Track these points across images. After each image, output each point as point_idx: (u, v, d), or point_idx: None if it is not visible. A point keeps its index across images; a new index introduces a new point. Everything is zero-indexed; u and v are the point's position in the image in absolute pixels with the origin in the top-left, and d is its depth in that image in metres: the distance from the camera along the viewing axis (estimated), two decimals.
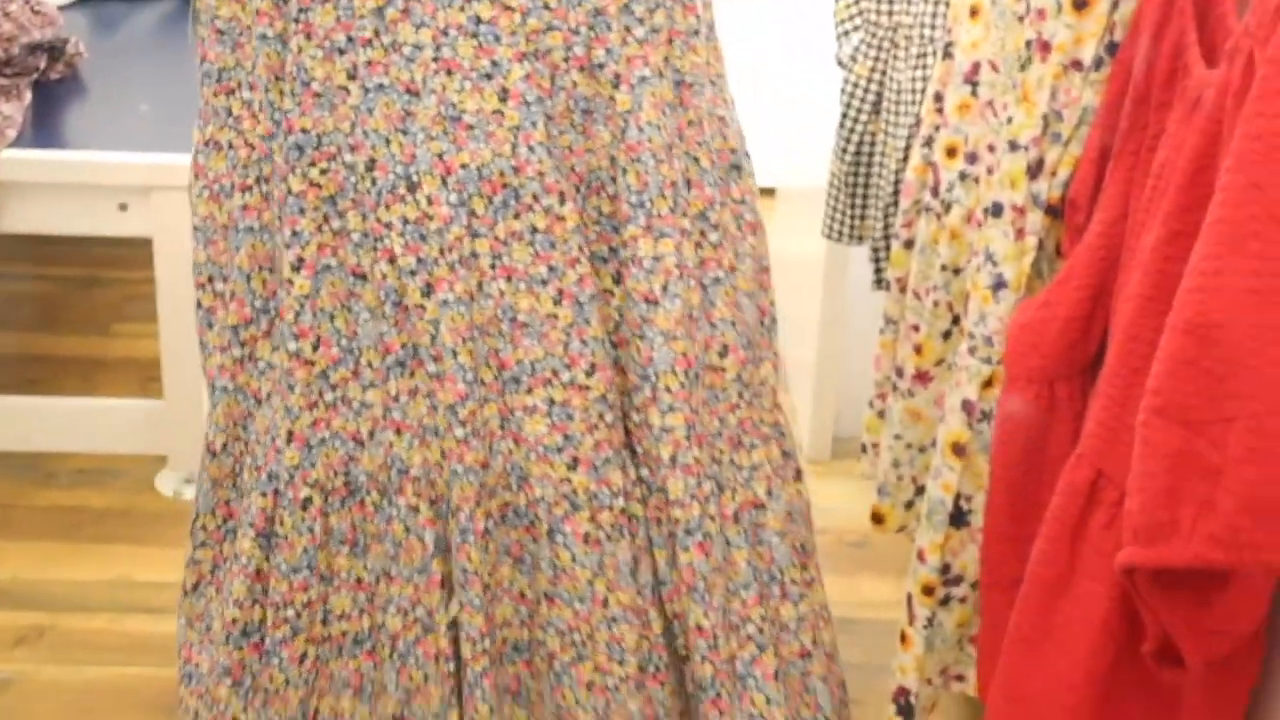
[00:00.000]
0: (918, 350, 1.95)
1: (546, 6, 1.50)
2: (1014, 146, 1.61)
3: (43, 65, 2.52)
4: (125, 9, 2.99)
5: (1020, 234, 1.63)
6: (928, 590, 1.75)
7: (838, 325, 2.81)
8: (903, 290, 2.04)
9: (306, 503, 1.65)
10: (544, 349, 1.58)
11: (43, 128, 2.47)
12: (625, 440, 1.62)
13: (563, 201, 1.54)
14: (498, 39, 1.50)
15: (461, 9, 1.50)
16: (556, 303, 1.57)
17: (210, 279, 1.68)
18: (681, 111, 1.60)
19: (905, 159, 2.15)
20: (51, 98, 2.55)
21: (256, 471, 1.66)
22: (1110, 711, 1.33)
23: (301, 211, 1.58)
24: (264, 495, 1.65)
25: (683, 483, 1.59)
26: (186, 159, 2.29)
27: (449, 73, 1.52)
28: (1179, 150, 1.25)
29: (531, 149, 1.52)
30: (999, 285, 1.65)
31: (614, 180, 1.57)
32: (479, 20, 1.50)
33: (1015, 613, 1.42)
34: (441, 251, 1.55)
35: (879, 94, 2.28)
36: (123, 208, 2.42)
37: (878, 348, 2.14)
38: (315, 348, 1.63)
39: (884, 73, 2.26)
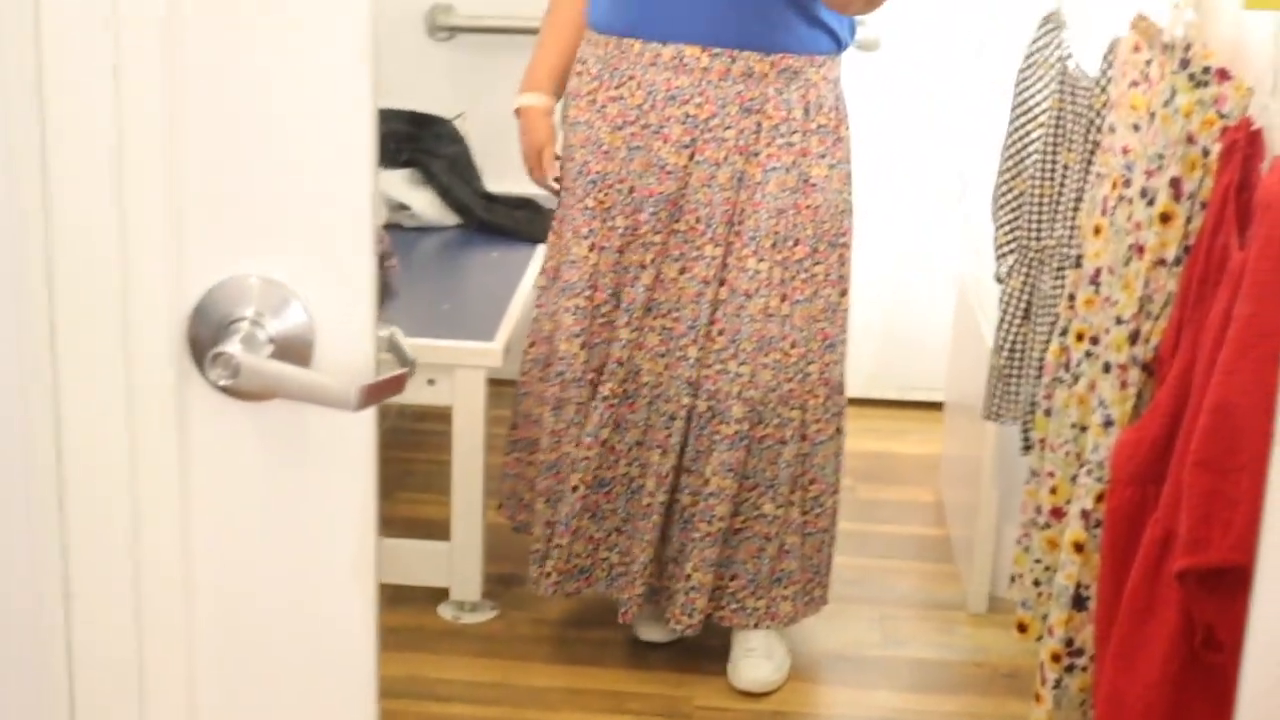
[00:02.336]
0: (1053, 491, 2.55)
1: (727, 115, 2.80)
2: (1119, 321, 2.23)
3: None
4: (417, 236, 3.75)
5: (1124, 385, 2.24)
6: (1055, 658, 2.32)
7: (994, 508, 3.40)
8: (1043, 448, 2.64)
9: (590, 383, 2.95)
10: (677, 297, 2.87)
11: (394, 326, 3.18)
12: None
13: (698, 220, 2.84)
14: (695, 126, 2.81)
15: (680, 106, 2.81)
16: (682, 272, 2.86)
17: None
18: (801, 196, 2.83)
19: (1046, 348, 2.77)
20: None
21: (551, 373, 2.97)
22: (1181, 697, 1.89)
23: (594, 217, 2.89)
24: (554, 385, 2.95)
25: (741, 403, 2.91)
26: (482, 345, 3.03)
27: (664, 141, 2.83)
28: (1220, 307, 1.87)
29: (694, 189, 2.83)
30: (1108, 423, 2.25)
31: (738, 219, 2.84)
32: (687, 115, 2.81)
33: (1114, 638, 2.00)
34: (641, 237, 2.88)
35: (1029, 302, 2.91)
36: (430, 382, 3.11)
37: (1024, 495, 2.73)
38: (594, 292, 2.91)
39: (1033, 286, 2.89)
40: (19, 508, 1.27)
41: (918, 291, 4.34)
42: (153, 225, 1.19)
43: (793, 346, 2.88)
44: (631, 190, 2.86)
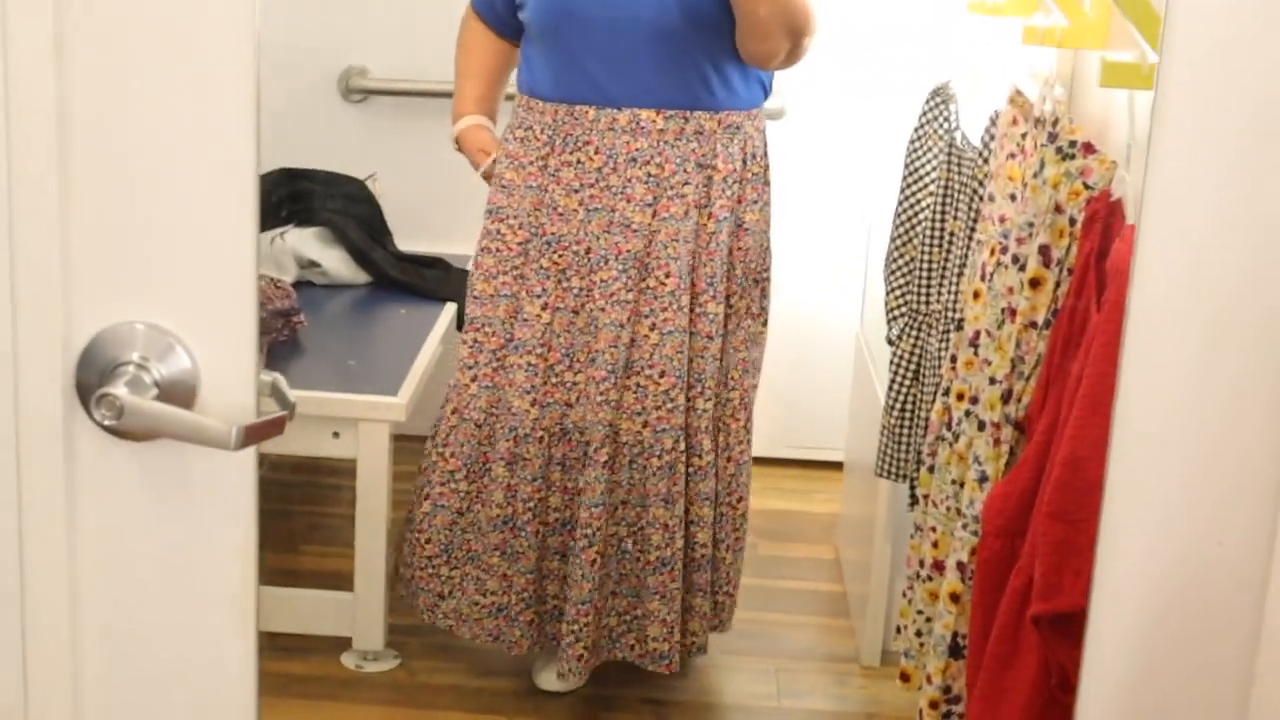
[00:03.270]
0: (934, 545, 2.63)
1: (685, 172, 2.93)
2: (993, 381, 2.33)
3: (278, 327, 3.31)
4: (328, 293, 3.81)
5: (997, 443, 2.33)
6: (933, 704, 2.40)
7: (886, 563, 3.49)
8: (927, 503, 2.73)
9: (539, 440, 3.00)
10: (651, 354, 2.95)
11: (276, 373, 3.24)
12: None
13: (668, 275, 2.94)
14: (657, 184, 2.93)
15: (642, 167, 2.92)
16: (653, 329, 2.96)
17: (479, 326, 3.01)
18: (734, 239, 3.00)
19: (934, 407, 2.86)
20: (281, 352, 3.33)
21: (503, 429, 3.02)
22: None
23: (548, 277, 2.97)
24: (508, 440, 3.01)
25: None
26: (386, 399, 3.08)
27: (628, 201, 2.93)
28: (1079, 367, 1.97)
29: (662, 244, 2.94)
30: (983, 479, 2.34)
31: (694, 267, 2.97)
32: (649, 174, 2.93)
33: (980, 682, 2.08)
34: (609, 296, 2.95)
35: (919, 364, 3.01)
36: (335, 435, 3.17)
37: (909, 549, 2.82)
38: (548, 351, 2.97)
39: (922, 347, 2.99)
40: None
41: (821, 354, 4.44)
42: (42, 271, 1.26)
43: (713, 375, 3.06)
44: (589, 251, 2.97)
